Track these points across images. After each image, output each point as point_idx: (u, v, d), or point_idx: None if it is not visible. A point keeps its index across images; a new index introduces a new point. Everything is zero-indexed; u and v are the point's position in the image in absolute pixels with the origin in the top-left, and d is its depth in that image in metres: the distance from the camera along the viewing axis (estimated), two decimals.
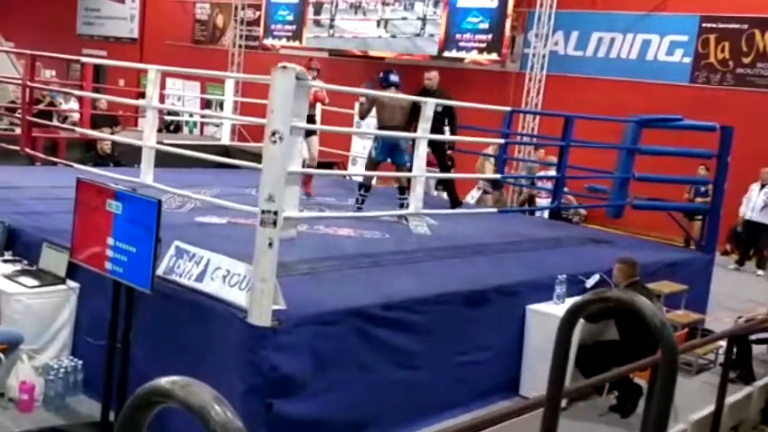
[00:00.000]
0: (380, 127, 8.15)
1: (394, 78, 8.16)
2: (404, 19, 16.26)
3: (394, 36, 16.39)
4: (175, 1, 21.15)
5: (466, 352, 5.76)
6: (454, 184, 9.42)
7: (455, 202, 9.15)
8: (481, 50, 15.47)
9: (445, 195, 9.68)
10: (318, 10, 17.71)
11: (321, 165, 10.21)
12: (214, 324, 4.67)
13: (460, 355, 5.73)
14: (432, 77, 8.77)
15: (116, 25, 22.88)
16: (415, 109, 7.62)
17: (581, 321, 4.08)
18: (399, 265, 6.34)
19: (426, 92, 8.47)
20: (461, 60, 15.70)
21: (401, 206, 7.84)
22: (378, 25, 16.64)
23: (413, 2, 16.18)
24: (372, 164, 8.14)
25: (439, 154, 8.98)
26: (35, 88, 8.01)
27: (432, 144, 8.29)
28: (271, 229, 4.33)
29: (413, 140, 7.57)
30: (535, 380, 5.71)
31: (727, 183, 8.83)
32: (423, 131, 6.25)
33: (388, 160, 8.13)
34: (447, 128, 8.86)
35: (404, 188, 7.98)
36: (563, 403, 2.93)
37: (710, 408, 4.85)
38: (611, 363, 5.25)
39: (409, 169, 7.75)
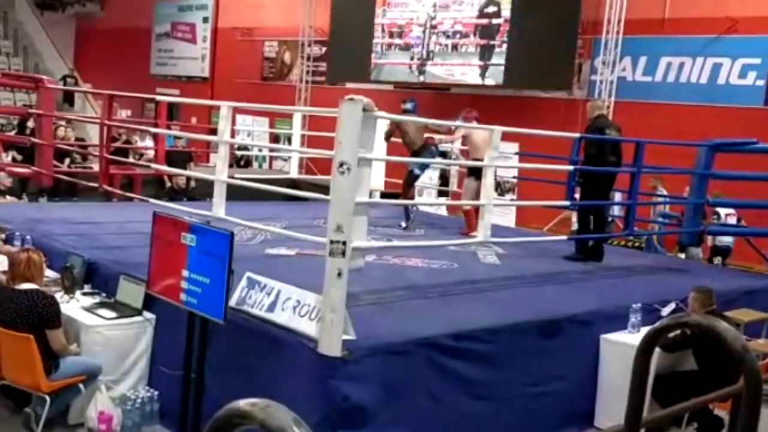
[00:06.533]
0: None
1: (405, 105, 9.34)
2: (469, 64, 16.25)
3: (463, 73, 16.37)
4: (244, 40, 21.66)
5: (539, 382, 5.66)
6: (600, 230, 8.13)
7: (596, 252, 7.98)
8: (546, 78, 15.34)
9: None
10: (382, 48, 17.88)
11: (387, 195, 10.26)
12: (285, 354, 4.71)
13: (533, 385, 5.63)
14: (587, 107, 8.24)
15: (188, 65, 23.52)
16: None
17: (657, 350, 3.97)
18: (468, 294, 6.30)
19: (589, 125, 8.03)
20: (527, 88, 15.63)
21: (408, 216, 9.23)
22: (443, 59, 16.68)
23: (479, 34, 16.16)
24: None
25: (588, 192, 7.78)
26: (112, 126, 8.29)
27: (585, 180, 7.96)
28: (340, 260, 4.36)
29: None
30: (610, 411, 5.57)
31: None
32: (490, 160, 6.19)
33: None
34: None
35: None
36: None
37: None
38: (690, 393, 5.07)
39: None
